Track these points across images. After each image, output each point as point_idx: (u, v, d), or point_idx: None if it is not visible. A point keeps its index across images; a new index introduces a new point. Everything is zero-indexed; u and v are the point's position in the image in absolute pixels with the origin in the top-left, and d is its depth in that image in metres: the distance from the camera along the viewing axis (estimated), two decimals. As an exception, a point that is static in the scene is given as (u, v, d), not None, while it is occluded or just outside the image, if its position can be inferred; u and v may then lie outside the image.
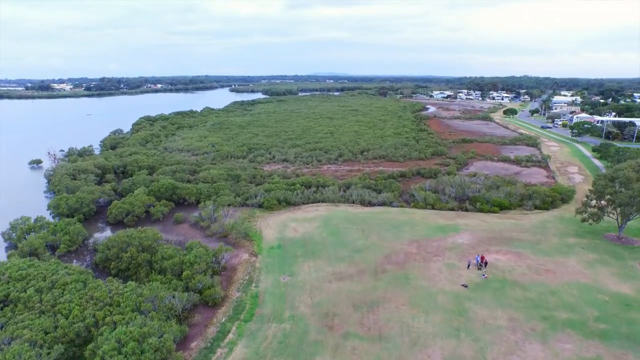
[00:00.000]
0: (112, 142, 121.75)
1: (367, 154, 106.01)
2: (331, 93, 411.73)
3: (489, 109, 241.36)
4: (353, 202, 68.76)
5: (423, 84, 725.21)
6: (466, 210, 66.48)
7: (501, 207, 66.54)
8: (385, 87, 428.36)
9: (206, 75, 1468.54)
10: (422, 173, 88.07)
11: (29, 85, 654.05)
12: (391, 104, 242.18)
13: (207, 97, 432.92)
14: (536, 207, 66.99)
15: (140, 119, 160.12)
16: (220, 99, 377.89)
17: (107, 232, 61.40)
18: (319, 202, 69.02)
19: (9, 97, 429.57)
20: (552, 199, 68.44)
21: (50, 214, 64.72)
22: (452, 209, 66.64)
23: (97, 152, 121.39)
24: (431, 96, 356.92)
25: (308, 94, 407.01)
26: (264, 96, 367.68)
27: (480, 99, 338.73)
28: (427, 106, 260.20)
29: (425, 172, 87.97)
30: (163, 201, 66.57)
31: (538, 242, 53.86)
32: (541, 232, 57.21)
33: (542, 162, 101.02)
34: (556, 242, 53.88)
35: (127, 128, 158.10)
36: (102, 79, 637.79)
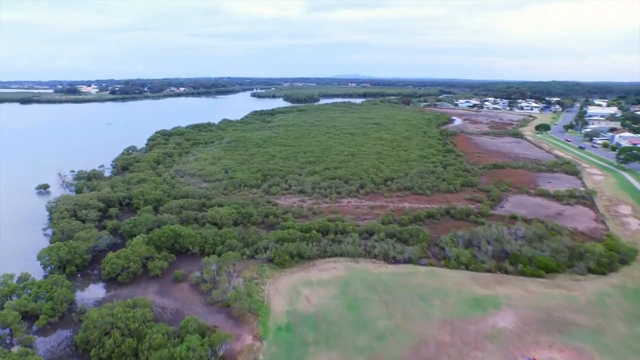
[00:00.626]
0: (124, 163, 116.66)
1: (390, 185, 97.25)
2: (353, 100, 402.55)
3: (519, 123, 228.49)
4: (375, 257, 60.46)
5: (446, 89, 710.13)
6: (506, 272, 57.24)
7: (547, 270, 56.98)
8: (408, 95, 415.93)
9: (229, 78, 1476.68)
10: (453, 214, 78.87)
11: (59, 87, 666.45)
12: (415, 116, 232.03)
13: (228, 102, 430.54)
14: (590, 271, 57.12)
15: (155, 133, 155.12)
16: (240, 104, 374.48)
17: (99, 291, 54.88)
18: (336, 255, 60.90)
19: (38, 101, 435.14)
20: (609, 259, 58.47)
21: (40, 264, 58.65)
22: (489, 270, 57.45)
23: (108, 172, 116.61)
24: (456, 105, 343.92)
25: (329, 100, 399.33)
26: (284, 104, 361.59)
27: (507, 108, 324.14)
28: (453, 118, 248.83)
29: (456, 212, 78.76)
30: (163, 253, 59.62)
31: (601, 331, 44.23)
32: (602, 314, 47.45)
33: (587, 199, 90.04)
34: (624, 333, 44.09)
35: (144, 140, 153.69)
36: (127, 82, 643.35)
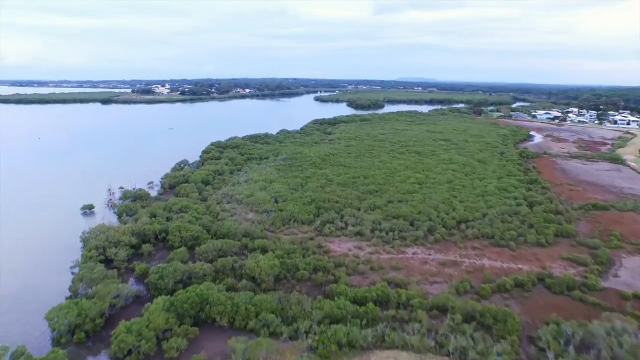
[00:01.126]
0: (172, 181, 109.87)
1: (465, 230, 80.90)
2: (419, 108, 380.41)
3: (614, 142, 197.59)
4: (449, 355, 45.62)
5: (520, 96, 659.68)
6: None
7: None
8: (479, 103, 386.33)
9: (294, 79, 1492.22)
10: (549, 284, 61.39)
11: (137, 87, 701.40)
12: (488, 130, 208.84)
13: (290, 106, 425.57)
14: None
15: (210, 145, 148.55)
16: (303, 110, 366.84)
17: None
18: (397, 347, 46.83)
19: (116, 101, 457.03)
20: None
21: (48, 326, 50.39)
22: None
23: (156, 189, 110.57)
24: (534, 116, 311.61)
25: (394, 107, 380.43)
26: (347, 110, 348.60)
27: (596, 122, 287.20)
28: (532, 133, 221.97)
29: (553, 283, 61.13)
30: (184, 326, 48.88)
31: None
32: None
33: None
34: None
35: (200, 149, 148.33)
36: (197, 83, 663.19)
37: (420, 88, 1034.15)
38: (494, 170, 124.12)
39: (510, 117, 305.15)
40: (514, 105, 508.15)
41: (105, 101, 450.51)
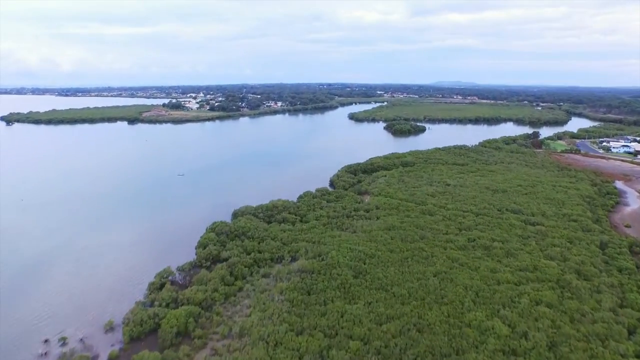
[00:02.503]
0: (135, 331, 73.03)
1: None
2: (464, 131, 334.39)
3: None
4: None
5: (574, 108, 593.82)
6: None
7: None
8: (534, 130, 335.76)
9: (329, 84, 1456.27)
10: None
11: (169, 100, 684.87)
12: (563, 187, 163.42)
13: (323, 127, 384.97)
14: None
15: (209, 232, 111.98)
16: (336, 133, 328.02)
17: None
18: None
19: (142, 121, 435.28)
20: None
21: None
22: None
23: (116, 340, 74.84)
24: (607, 149, 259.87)
25: (436, 128, 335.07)
26: (385, 137, 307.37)
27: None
28: (616, 185, 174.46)
29: None
30: None
31: None
32: None
33: None
34: None
35: (208, 218, 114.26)
36: (228, 97, 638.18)
37: (459, 96, 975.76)
38: (611, 307, 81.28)
39: (577, 150, 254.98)
40: (570, 121, 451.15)
41: (132, 121, 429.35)
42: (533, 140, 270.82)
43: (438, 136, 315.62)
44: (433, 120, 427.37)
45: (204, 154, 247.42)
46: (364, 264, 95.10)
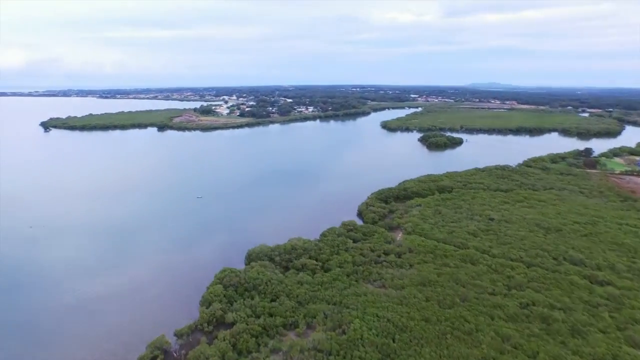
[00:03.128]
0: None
1: None
2: (505, 142, 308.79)
3: None
4: None
5: (626, 115, 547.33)
6: None
7: None
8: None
9: (362, 87, 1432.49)
10: None
11: (203, 105, 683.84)
12: (629, 221, 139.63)
13: (354, 136, 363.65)
14: None
15: (213, 290, 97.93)
16: (367, 144, 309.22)
17: None
18: None
19: (171, 127, 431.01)
20: None
21: None
22: None
23: None
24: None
25: (474, 140, 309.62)
26: (419, 149, 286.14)
27: None
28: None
29: None
30: None
31: None
32: None
33: None
34: None
35: (222, 257, 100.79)
36: (259, 101, 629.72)
37: (497, 101, 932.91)
38: None
39: (638, 172, 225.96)
40: (623, 131, 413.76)
41: (162, 127, 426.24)
42: (585, 159, 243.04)
43: (477, 150, 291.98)
44: (470, 130, 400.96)
45: (227, 169, 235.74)
46: (393, 341, 77.69)
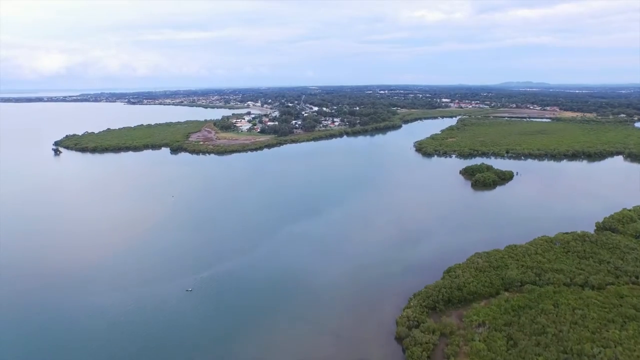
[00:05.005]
0: None
1: None
2: (556, 161, 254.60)
3: None
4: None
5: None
6: None
7: None
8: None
9: (390, 89, 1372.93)
10: None
11: (226, 115, 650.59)
12: None
13: (383, 161, 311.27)
14: None
15: None
16: (396, 175, 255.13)
17: None
18: None
19: (185, 149, 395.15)
20: None
21: None
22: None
23: None
24: None
25: (524, 164, 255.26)
26: (462, 185, 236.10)
27: None
28: None
29: None
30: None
31: None
32: None
33: None
34: None
35: None
36: (281, 116, 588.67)
37: (536, 106, 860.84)
38: None
39: None
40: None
41: (175, 150, 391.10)
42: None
43: (532, 190, 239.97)
44: (517, 155, 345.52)
45: (231, 232, 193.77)
46: None
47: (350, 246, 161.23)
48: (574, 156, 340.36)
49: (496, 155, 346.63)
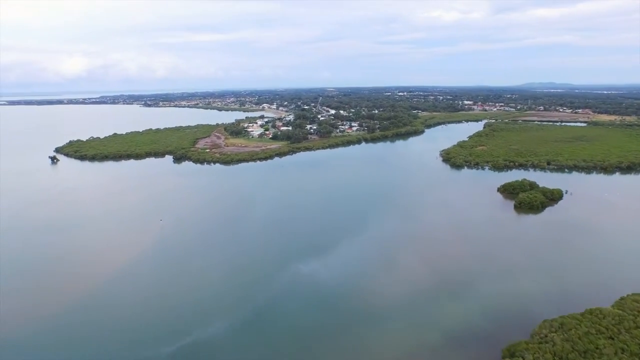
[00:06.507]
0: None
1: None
2: (608, 175, 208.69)
3: None
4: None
5: None
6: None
7: None
8: None
9: (408, 90, 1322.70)
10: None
11: (234, 120, 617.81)
12: None
13: (407, 173, 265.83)
14: None
15: None
16: (423, 191, 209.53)
17: None
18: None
19: (189, 158, 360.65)
20: None
21: None
22: None
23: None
24: None
25: (569, 177, 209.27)
26: (501, 206, 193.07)
27: None
28: None
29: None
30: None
31: None
32: None
33: None
34: None
35: None
36: (295, 120, 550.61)
37: (565, 109, 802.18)
38: None
39: None
40: None
41: (179, 158, 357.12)
42: None
43: (592, 214, 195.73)
44: (560, 166, 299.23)
45: (220, 276, 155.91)
46: None
47: (363, 301, 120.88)
48: (629, 169, 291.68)
49: (535, 167, 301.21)
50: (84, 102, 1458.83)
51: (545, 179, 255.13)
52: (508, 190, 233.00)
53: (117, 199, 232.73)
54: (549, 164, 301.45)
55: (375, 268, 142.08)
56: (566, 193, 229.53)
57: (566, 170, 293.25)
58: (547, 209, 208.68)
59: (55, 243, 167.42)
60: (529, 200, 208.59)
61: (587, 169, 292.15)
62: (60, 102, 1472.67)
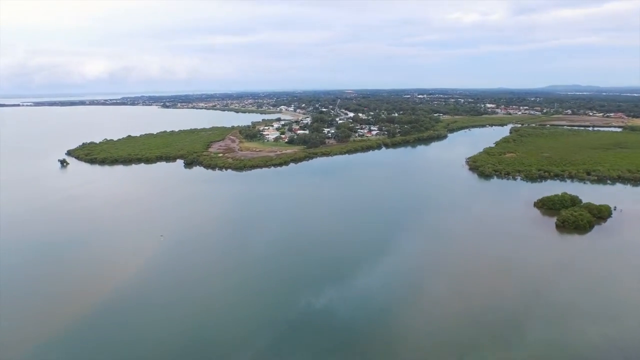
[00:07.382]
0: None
1: None
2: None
3: None
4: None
5: None
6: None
7: None
8: None
9: (428, 92, 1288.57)
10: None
11: (247, 125, 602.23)
12: None
13: (431, 185, 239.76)
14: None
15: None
16: (450, 208, 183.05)
17: None
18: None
19: (200, 163, 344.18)
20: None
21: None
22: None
23: None
24: None
25: (615, 190, 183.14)
26: (541, 224, 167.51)
27: None
28: None
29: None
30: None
31: None
32: None
33: None
34: None
35: None
36: (313, 124, 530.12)
37: (595, 112, 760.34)
38: None
39: None
40: None
41: (189, 162, 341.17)
42: None
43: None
44: (602, 177, 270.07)
45: (217, 312, 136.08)
46: None
47: (386, 346, 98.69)
48: None
49: (573, 177, 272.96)
50: (104, 103, 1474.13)
51: (587, 192, 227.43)
52: (547, 206, 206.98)
53: (112, 213, 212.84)
54: (588, 174, 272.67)
55: (399, 303, 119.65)
56: (615, 210, 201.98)
57: (609, 181, 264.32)
58: (596, 229, 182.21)
59: (36, 261, 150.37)
60: (574, 219, 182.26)
61: (634, 181, 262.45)
62: (82, 102, 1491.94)
